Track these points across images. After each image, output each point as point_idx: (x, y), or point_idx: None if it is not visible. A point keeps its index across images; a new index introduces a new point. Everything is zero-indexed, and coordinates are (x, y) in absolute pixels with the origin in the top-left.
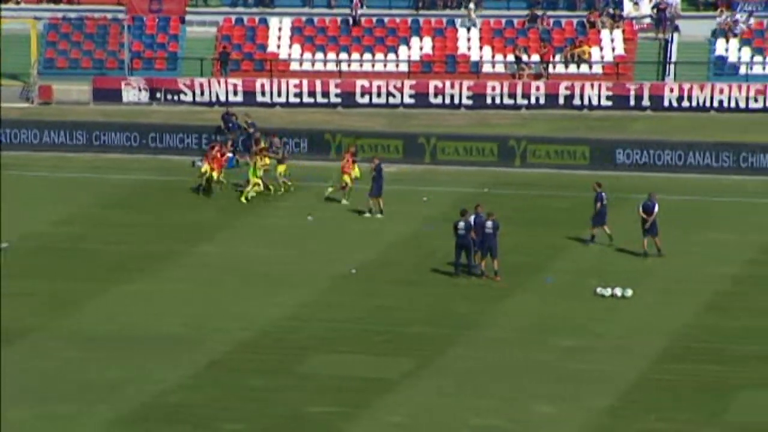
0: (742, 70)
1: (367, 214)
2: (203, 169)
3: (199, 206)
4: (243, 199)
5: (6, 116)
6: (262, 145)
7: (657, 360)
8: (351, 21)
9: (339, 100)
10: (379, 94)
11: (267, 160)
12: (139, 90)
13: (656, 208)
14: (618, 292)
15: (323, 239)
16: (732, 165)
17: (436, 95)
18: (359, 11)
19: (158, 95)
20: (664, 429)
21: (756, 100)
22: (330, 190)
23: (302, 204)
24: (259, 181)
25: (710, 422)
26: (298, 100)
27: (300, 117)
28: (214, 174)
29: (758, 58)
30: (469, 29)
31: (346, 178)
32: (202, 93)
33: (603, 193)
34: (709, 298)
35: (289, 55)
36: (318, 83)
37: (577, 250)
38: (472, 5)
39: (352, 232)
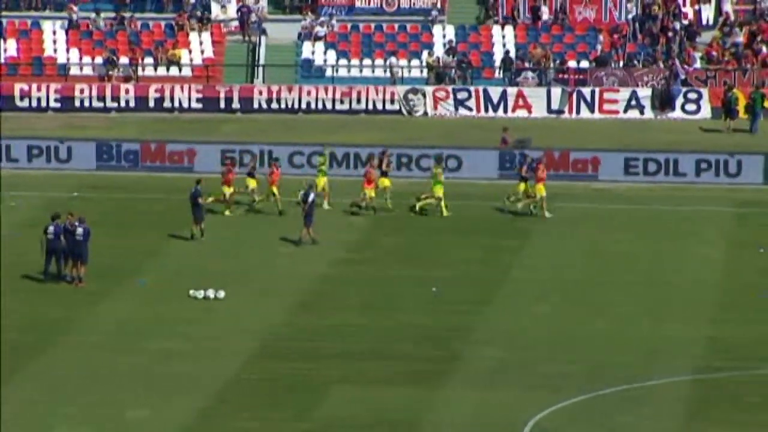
0: (328, 72)
1: None
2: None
3: None
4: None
5: None
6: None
7: (250, 360)
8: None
9: None
10: None
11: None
12: None
13: (310, 198)
14: (211, 293)
15: None
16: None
17: (22, 98)
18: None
19: None
20: (256, 428)
21: (342, 102)
22: None
23: None
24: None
25: (301, 418)
26: None
27: None
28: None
29: (343, 61)
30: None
31: None
32: None
33: None
34: (301, 298)
35: None
36: None
37: (172, 252)
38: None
39: None
